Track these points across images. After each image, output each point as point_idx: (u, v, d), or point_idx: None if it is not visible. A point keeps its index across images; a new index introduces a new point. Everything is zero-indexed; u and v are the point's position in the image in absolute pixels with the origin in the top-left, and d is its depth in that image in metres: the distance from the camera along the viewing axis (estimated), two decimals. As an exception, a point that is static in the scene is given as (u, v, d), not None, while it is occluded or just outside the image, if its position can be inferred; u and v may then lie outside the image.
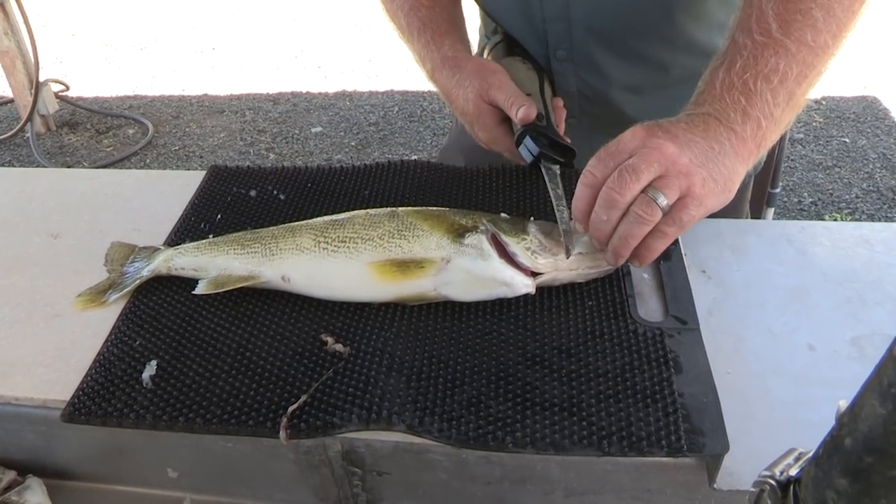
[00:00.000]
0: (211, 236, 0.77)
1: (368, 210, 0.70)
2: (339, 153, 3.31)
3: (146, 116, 3.82)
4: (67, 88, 3.99)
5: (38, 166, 3.36)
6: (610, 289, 0.66)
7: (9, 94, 3.81)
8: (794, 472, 0.35)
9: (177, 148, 3.52)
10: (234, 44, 4.81)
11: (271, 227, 0.72)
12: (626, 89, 0.94)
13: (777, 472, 0.36)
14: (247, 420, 0.58)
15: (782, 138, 2.37)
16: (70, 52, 5.06)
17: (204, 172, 0.91)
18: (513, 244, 0.64)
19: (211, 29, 5.25)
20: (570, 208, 0.67)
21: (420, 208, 0.69)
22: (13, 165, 3.44)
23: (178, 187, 0.90)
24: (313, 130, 3.53)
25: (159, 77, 4.45)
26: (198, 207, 0.83)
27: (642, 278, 0.69)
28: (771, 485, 0.36)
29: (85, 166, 3.36)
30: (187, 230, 0.79)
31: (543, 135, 0.79)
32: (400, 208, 0.69)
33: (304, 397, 0.58)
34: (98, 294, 0.72)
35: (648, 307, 0.65)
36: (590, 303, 0.65)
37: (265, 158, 3.33)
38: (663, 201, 0.61)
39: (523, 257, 0.64)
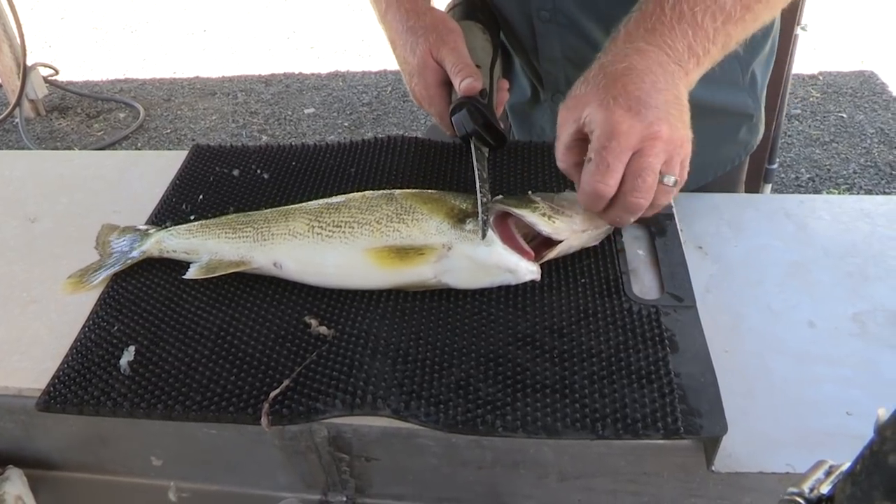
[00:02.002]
0: (192, 217, 0.75)
1: (364, 193, 0.68)
2: (332, 134, 3.28)
3: (137, 100, 3.78)
4: (57, 73, 3.94)
5: (28, 151, 3.33)
6: (603, 266, 0.64)
7: (-2, 79, 3.77)
8: (825, 488, 0.32)
9: (168, 131, 3.48)
10: (226, 25, 4.75)
11: (265, 211, 0.70)
12: None
13: (806, 488, 0.32)
14: (227, 406, 0.56)
15: (779, 113, 2.34)
16: (59, 36, 5.00)
17: (183, 152, 0.88)
18: (528, 214, 0.62)
19: (202, 10, 5.19)
20: (491, 193, 0.67)
21: (418, 191, 0.66)
22: (2, 150, 3.41)
23: (160, 168, 0.87)
24: (306, 112, 3.50)
25: (150, 60, 4.41)
26: (179, 188, 0.80)
27: (637, 254, 0.67)
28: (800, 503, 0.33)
29: (76, 151, 3.33)
30: (168, 211, 0.77)
31: (481, 113, 0.75)
32: (397, 191, 0.66)
33: (286, 382, 0.56)
34: (85, 276, 0.69)
35: (643, 284, 0.63)
36: (582, 280, 0.63)
37: (258, 140, 3.31)
38: (672, 180, 0.61)
39: (543, 225, 0.61)
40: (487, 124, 0.75)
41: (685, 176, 0.64)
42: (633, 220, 0.63)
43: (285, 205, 0.72)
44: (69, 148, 3.41)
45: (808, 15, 2.23)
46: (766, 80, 1.03)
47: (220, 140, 3.33)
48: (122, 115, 3.70)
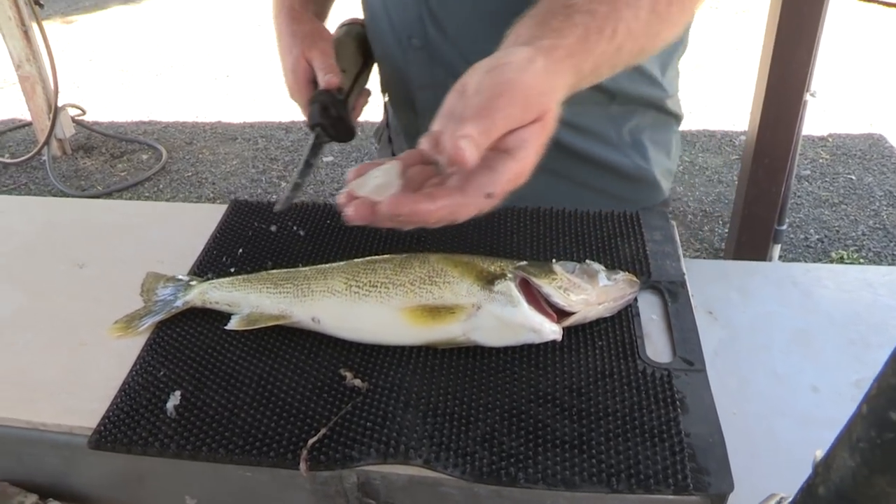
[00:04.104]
0: (233, 270, 0.80)
1: (399, 255, 0.73)
2: (351, 183, 3.35)
3: (160, 142, 3.88)
4: (84, 113, 4.05)
5: (53, 189, 3.41)
6: (620, 329, 0.69)
7: (27, 117, 3.88)
8: None
9: (189, 174, 3.56)
10: (248, 71, 4.88)
11: (304, 268, 0.74)
12: None
13: None
14: (268, 451, 0.60)
15: (788, 175, 2.39)
16: (87, 78, 5.14)
17: (222, 206, 0.94)
18: (545, 285, 0.66)
19: (225, 56, 5.32)
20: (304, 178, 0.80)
21: (448, 255, 0.71)
22: (29, 188, 3.49)
23: (198, 220, 0.92)
24: (324, 160, 3.58)
25: (173, 103, 4.52)
26: (219, 241, 0.86)
27: (651, 319, 0.71)
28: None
29: (99, 190, 3.41)
30: (210, 263, 0.82)
31: (335, 107, 0.86)
32: (431, 255, 0.71)
33: (323, 430, 0.60)
34: (132, 322, 0.74)
35: (656, 348, 0.67)
36: (600, 343, 0.67)
37: (277, 186, 3.38)
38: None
39: (557, 297, 0.66)
40: (338, 119, 0.86)
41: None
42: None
43: (320, 261, 0.77)
44: (93, 186, 3.49)
45: (818, 78, 2.30)
46: (667, 147, 1.07)
47: (240, 184, 3.41)
48: (144, 157, 3.79)
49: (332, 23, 1.06)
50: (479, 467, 0.57)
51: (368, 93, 0.98)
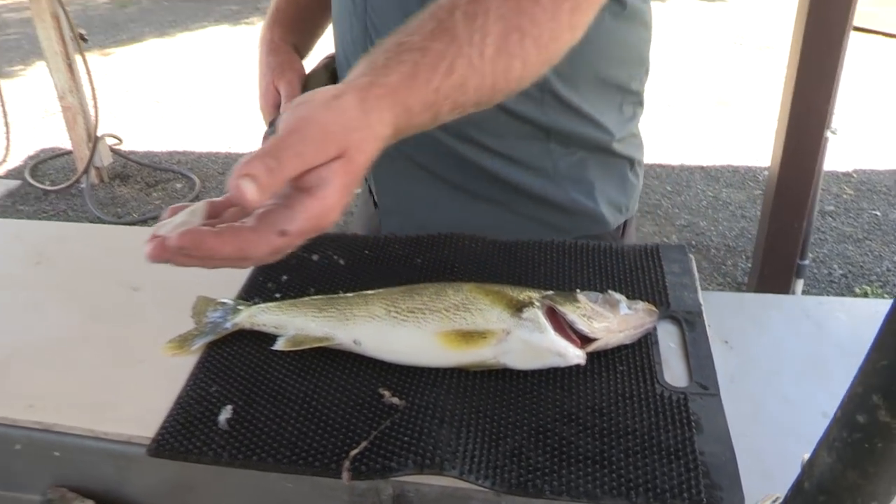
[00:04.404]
0: (278, 295, 0.86)
1: (435, 283, 0.78)
2: (380, 214, 3.41)
3: (193, 171, 3.99)
4: (121, 142, 4.18)
5: (90, 216, 3.52)
6: (639, 355, 0.73)
7: (67, 146, 4.01)
8: None
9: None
10: (280, 104, 4.98)
11: (347, 294, 0.80)
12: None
13: None
14: (313, 462, 0.65)
15: (810, 210, 2.42)
16: (123, 108, 5.30)
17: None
18: (570, 313, 0.71)
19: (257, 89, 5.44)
20: None
21: (480, 284, 0.76)
22: (67, 214, 3.61)
23: (246, 248, 0.99)
24: (355, 190, 3.65)
25: (207, 134, 4.64)
26: (264, 268, 0.92)
27: (669, 346, 0.76)
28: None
29: (135, 217, 3.51)
30: (256, 288, 0.88)
31: None
32: (464, 284, 0.77)
33: (364, 443, 0.65)
34: (184, 342, 0.80)
35: (674, 373, 0.72)
36: (621, 367, 0.72)
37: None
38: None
39: (581, 323, 0.71)
40: None
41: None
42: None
43: (359, 288, 0.82)
44: (129, 214, 3.59)
45: (841, 115, 2.34)
46: (621, 184, 1.11)
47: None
48: (178, 185, 3.90)
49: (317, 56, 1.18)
50: (507, 479, 0.62)
51: None
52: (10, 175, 4.21)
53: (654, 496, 0.59)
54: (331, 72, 1.11)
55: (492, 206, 1.06)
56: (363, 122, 0.63)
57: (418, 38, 0.69)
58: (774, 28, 6.74)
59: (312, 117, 0.61)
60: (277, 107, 1.03)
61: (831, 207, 3.54)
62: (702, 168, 4.17)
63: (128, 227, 1.03)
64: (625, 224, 1.13)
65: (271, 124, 0.97)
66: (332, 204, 0.62)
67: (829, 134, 2.26)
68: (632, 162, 1.12)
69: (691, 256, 0.88)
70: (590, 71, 1.00)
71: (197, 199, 3.69)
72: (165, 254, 0.60)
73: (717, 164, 4.18)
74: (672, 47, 6.62)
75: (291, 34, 1.13)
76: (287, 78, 1.02)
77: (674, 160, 4.28)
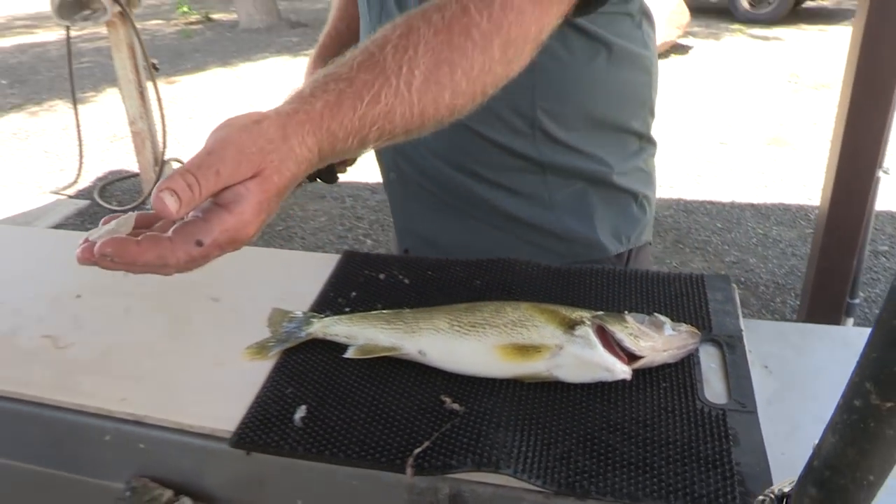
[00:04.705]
0: (347, 309, 0.93)
1: (495, 302, 0.85)
2: (434, 241, 3.49)
3: (254, 196, 4.12)
4: (185, 167, 4.34)
5: (154, 237, 3.67)
6: (682, 374, 0.79)
7: (135, 169, 4.19)
8: (786, 489, 0.50)
9: (280, 228, 3.78)
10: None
11: (413, 309, 0.88)
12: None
13: (776, 490, 0.51)
14: (380, 458, 0.72)
15: (861, 249, 2.43)
16: (187, 134, 5.50)
17: (333, 255, 1.08)
18: (618, 332, 0.77)
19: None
20: None
21: (537, 303, 0.83)
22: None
23: (316, 267, 1.07)
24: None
25: (267, 161, 4.79)
26: (335, 285, 1.00)
27: (710, 367, 0.81)
28: (770, 498, 0.51)
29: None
30: (327, 303, 0.96)
31: None
32: (521, 303, 0.83)
33: (426, 443, 0.72)
34: (263, 348, 0.88)
35: (714, 391, 0.77)
36: (664, 384, 0.78)
37: (362, 244, 3.55)
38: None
39: (628, 342, 0.77)
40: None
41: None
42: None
43: (423, 305, 0.90)
44: (191, 236, 3.74)
45: (894, 155, 2.35)
46: (623, 213, 1.16)
47: (328, 240, 3.59)
48: (239, 210, 4.03)
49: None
50: (557, 480, 0.67)
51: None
52: (81, 195, 4.41)
53: (692, 500, 0.65)
54: None
55: (492, 230, 1.14)
56: (281, 146, 0.68)
57: (346, 69, 0.74)
58: (830, 67, 6.71)
59: (230, 138, 0.66)
60: None
61: (885, 247, 3.51)
62: (752, 205, 4.17)
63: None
64: (630, 252, 1.18)
65: None
66: (247, 219, 0.68)
67: (881, 173, 2.27)
68: (636, 195, 1.17)
69: (734, 286, 0.94)
70: (580, 110, 1.06)
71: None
72: (92, 258, 0.65)
73: (768, 202, 4.18)
74: (726, 85, 6.63)
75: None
76: None
77: (725, 197, 4.29)
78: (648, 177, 1.20)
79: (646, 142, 1.18)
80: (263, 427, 0.77)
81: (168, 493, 0.84)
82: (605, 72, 1.04)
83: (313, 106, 0.71)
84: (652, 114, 1.18)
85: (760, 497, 0.51)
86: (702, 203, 4.21)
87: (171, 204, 0.62)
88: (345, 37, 1.32)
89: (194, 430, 0.81)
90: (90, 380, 0.88)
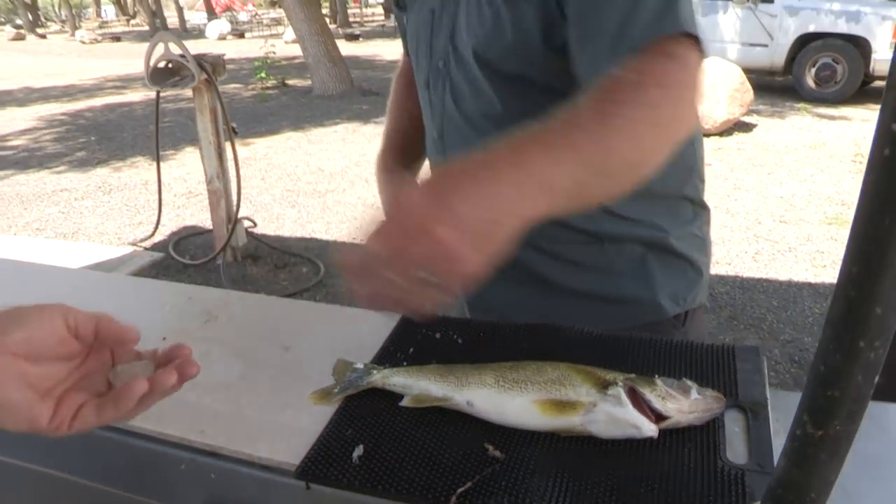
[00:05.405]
0: (405, 363, 1.03)
1: (535, 361, 0.94)
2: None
3: (319, 258, 4.28)
4: (255, 225, 4.56)
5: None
6: (706, 435, 0.86)
7: (208, 225, 4.41)
8: None
9: (342, 290, 3.91)
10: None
11: (461, 365, 0.97)
12: None
13: None
14: (427, 494, 0.80)
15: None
16: (259, 193, 5.75)
17: (395, 315, 1.18)
18: (647, 393, 0.85)
19: (381, 184, 5.78)
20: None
21: (574, 364, 0.92)
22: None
23: (377, 323, 1.17)
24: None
25: (333, 224, 4.98)
26: (395, 340, 1.10)
27: (734, 430, 0.88)
28: None
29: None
30: (387, 356, 1.06)
31: None
32: (560, 363, 0.92)
33: (469, 483, 0.80)
34: (327, 393, 0.98)
35: (735, 452, 0.84)
36: (689, 444, 0.85)
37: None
38: (428, 276, 0.72)
39: (656, 403, 0.84)
40: None
41: (453, 289, 0.73)
42: (394, 304, 0.78)
43: (473, 363, 0.99)
44: (257, 293, 3.90)
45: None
46: (682, 275, 1.21)
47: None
48: (304, 270, 4.20)
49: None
50: (585, 523, 0.75)
51: None
52: (156, 248, 4.65)
53: (708, 549, 0.71)
54: None
55: (550, 298, 1.22)
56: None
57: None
58: (897, 150, 6.64)
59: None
60: None
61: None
62: (810, 284, 4.16)
63: (281, 298, 1.24)
64: (686, 314, 1.23)
65: None
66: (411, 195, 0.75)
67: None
68: (692, 261, 1.23)
69: (763, 358, 1.00)
70: None
71: (320, 283, 3.97)
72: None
73: (826, 282, 4.16)
74: (789, 163, 6.63)
75: (402, 158, 1.40)
76: (406, 188, 1.22)
77: (782, 275, 4.29)
78: (703, 242, 1.27)
79: (699, 207, 1.25)
80: (324, 462, 0.86)
81: (233, 521, 0.94)
82: None
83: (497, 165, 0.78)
84: (702, 179, 1.24)
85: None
86: (759, 280, 4.21)
87: None
88: (409, 132, 1.47)
89: (262, 461, 0.91)
90: (173, 413, 0.99)
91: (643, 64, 0.88)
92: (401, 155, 1.45)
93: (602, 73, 0.89)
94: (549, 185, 0.77)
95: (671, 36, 0.91)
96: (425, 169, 1.44)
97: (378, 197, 1.38)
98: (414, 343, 1.08)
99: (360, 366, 1.03)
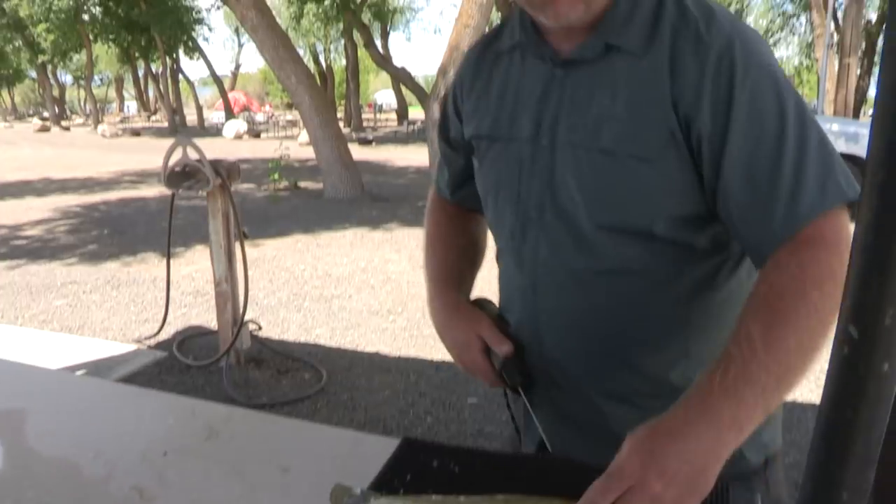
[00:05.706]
0: (401, 490, 1.04)
1: (524, 496, 0.97)
2: (490, 425, 3.53)
3: (322, 364, 4.27)
4: (260, 328, 4.58)
5: (224, 394, 3.84)
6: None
7: (213, 326, 4.44)
8: None
9: (345, 398, 3.89)
10: (410, 311, 5.34)
11: (455, 496, 0.98)
12: (606, 396, 1.18)
13: None
14: None
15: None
16: (265, 296, 5.80)
17: (392, 439, 1.20)
18: None
19: (390, 294, 5.85)
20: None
21: (567, 500, 0.93)
22: (205, 390, 3.93)
23: (375, 448, 1.19)
24: (469, 401, 3.81)
25: (337, 330, 5.00)
26: (392, 468, 1.11)
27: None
28: None
29: (264, 401, 3.79)
30: (385, 483, 1.07)
31: (518, 366, 1.19)
32: (543, 498, 0.95)
33: None
34: (323, 521, 0.99)
35: None
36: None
37: (423, 420, 3.61)
38: None
39: None
40: (528, 374, 1.18)
41: None
42: None
43: (470, 492, 1.00)
44: (258, 397, 3.89)
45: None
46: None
47: (390, 414, 3.67)
48: (307, 376, 4.18)
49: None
50: None
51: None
52: (160, 346, 4.66)
53: None
54: (496, 314, 1.30)
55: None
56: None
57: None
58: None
59: None
60: (484, 352, 1.21)
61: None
62: (814, 406, 4.12)
63: (282, 417, 1.25)
64: (767, 461, 1.19)
65: (507, 368, 1.19)
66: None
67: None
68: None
69: (759, 496, 1.01)
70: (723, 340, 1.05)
71: (322, 391, 3.95)
72: None
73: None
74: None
75: (462, 291, 1.34)
76: (485, 324, 1.21)
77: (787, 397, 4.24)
78: None
79: None
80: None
81: None
82: (739, 294, 1.09)
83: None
84: None
85: None
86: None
87: None
88: (464, 270, 1.40)
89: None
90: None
91: (802, 257, 0.94)
92: (458, 288, 1.36)
93: (770, 253, 0.97)
94: (740, 426, 0.87)
95: (831, 210, 0.95)
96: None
97: (452, 334, 1.29)
98: (411, 470, 1.10)
99: (357, 491, 1.04)
